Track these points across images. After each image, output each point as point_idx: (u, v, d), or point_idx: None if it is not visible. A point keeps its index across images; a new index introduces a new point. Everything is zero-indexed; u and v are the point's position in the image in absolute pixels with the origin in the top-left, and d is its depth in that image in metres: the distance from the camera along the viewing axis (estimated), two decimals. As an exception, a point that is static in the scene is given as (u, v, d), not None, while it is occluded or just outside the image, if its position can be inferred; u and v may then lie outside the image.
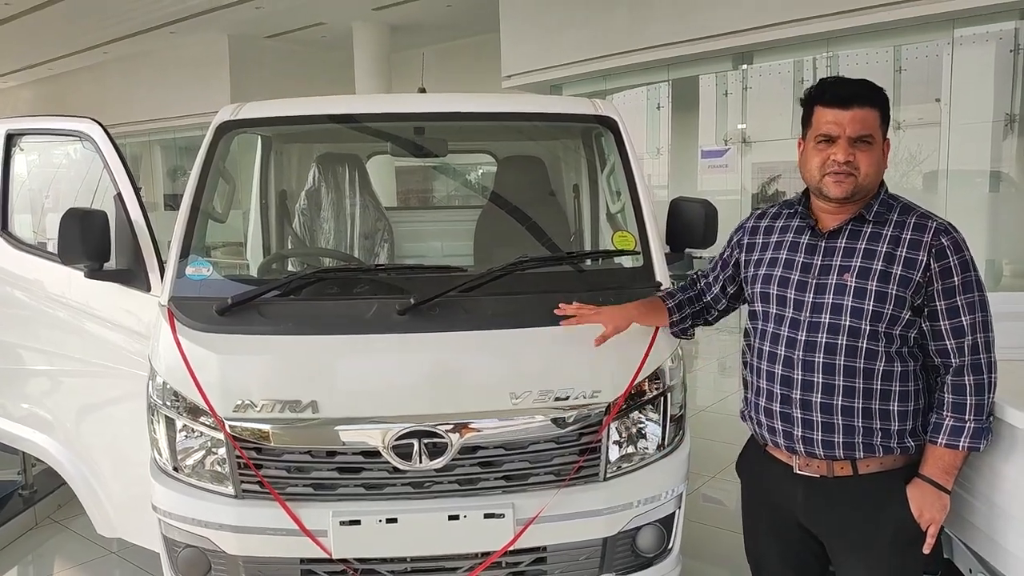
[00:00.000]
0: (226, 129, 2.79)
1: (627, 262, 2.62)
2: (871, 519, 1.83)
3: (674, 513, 2.46)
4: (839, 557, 1.91)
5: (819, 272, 1.85)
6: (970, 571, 2.19)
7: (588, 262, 2.82)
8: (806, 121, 1.85)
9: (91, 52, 14.65)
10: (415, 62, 12.19)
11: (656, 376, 2.39)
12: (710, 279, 2.23)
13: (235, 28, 13.03)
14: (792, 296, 1.88)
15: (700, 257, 2.70)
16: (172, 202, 14.67)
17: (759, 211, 2.07)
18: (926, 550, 1.81)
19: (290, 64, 13.34)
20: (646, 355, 2.36)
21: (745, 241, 2.07)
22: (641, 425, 2.41)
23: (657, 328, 2.39)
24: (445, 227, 4.37)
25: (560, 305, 2.29)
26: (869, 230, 1.82)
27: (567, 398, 2.27)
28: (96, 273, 2.62)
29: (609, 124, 2.88)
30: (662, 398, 2.41)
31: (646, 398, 2.39)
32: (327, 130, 3.25)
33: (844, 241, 1.84)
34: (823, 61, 9.57)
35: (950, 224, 1.80)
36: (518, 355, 2.34)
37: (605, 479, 2.35)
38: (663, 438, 2.43)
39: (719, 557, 3.32)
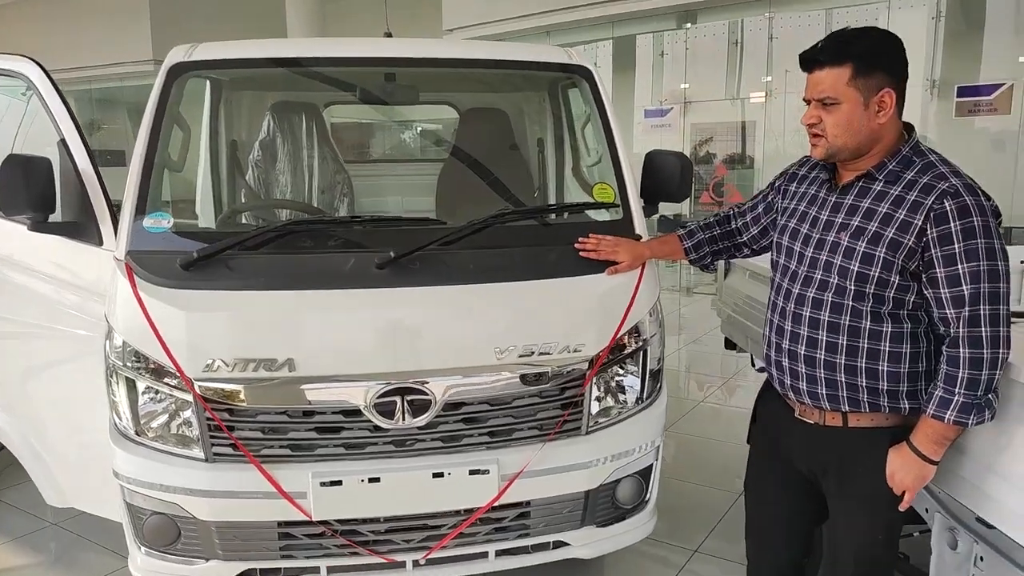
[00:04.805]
0: (178, 71, 2.60)
1: (607, 215, 2.59)
2: (852, 472, 1.86)
3: (652, 465, 2.50)
4: (829, 500, 1.96)
5: (823, 228, 1.85)
6: (926, 511, 2.27)
7: (567, 215, 2.77)
8: None
9: (-4, -8, 13.57)
10: (351, 9, 11.72)
11: (636, 330, 2.40)
12: (747, 220, 2.19)
13: (155, -31, 12.26)
14: (798, 249, 1.90)
15: (667, 216, 2.70)
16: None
17: (805, 159, 2.04)
18: (902, 508, 1.82)
19: (215, 8, 12.63)
20: (628, 310, 2.35)
21: (783, 186, 2.06)
22: (621, 378, 2.42)
23: (639, 282, 2.38)
24: (405, 181, 4.24)
25: (579, 240, 2.34)
26: (878, 188, 1.78)
27: (550, 353, 2.25)
28: (40, 226, 2.42)
29: (584, 74, 2.82)
30: (641, 352, 2.42)
31: (627, 352, 2.39)
32: (284, 76, 3.08)
33: (852, 198, 1.82)
34: (759, 23, 9.63)
35: (967, 187, 1.69)
36: (501, 310, 2.30)
37: (587, 433, 2.35)
38: (642, 391, 2.45)
39: (685, 509, 3.39)
